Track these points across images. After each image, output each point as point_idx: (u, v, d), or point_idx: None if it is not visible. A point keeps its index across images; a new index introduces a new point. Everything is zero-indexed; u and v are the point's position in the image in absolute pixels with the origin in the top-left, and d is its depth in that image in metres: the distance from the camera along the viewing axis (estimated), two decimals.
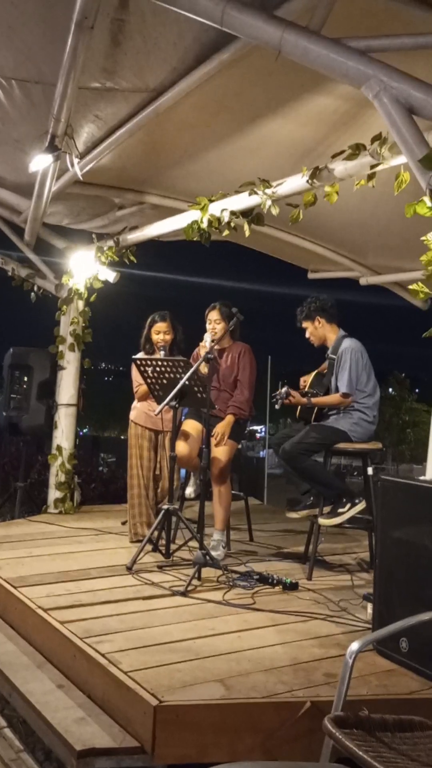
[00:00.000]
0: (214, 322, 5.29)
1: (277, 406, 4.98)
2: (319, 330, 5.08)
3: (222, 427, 5.15)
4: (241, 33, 3.16)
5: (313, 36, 3.00)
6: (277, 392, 4.89)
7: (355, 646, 2.52)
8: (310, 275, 7.76)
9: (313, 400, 4.93)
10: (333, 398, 4.91)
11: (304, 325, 5.14)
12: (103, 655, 3.17)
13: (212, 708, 2.78)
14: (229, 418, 5.20)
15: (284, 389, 4.88)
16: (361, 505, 4.69)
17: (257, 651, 3.32)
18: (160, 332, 5.56)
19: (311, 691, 2.93)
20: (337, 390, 4.90)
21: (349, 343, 4.95)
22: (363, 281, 7.23)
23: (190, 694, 2.85)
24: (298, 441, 4.77)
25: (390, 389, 42.44)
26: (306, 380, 5.28)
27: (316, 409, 5.01)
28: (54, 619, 3.61)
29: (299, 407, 5.06)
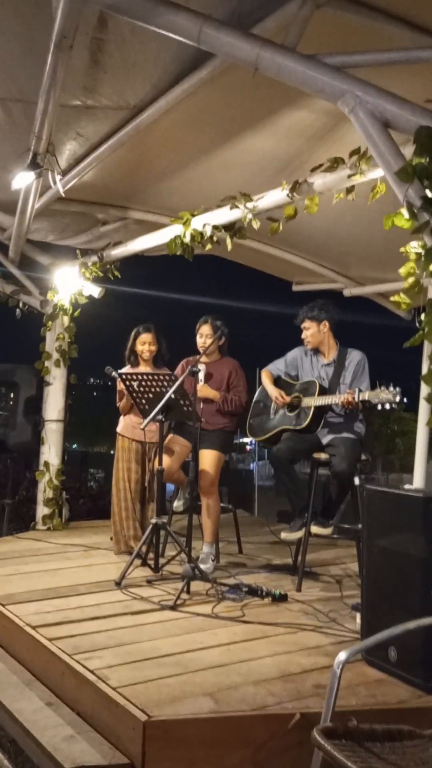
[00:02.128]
0: (206, 336, 5.32)
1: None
2: (320, 334, 5.03)
3: (206, 392, 5.18)
4: (217, 51, 3.21)
5: (288, 53, 3.05)
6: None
7: (342, 656, 2.52)
8: (295, 287, 7.82)
9: (366, 395, 4.63)
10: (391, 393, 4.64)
11: (308, 324, 5.04)
12: (91, 672, 3.16)
13: (201, 722, 2.78)
14: (215, 393, 5.22)
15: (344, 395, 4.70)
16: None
17: (246, 663, 3.32)
18: (145, 343, 5.59)
19: (300, 702, 2.93)
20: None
21: (361, 353, 4.96)
22: (347, 292, 7.29)
23: (179, 708, 2.84)
24: (351, 457, 4.63)
25: (399, 388, 42.43)
26: (281, 395, 5.17)
27: (323, 418, 4.93)
28: (42, 637, 3.60)
29: (311, 417, 4.87)
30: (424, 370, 3.17)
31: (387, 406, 4.55)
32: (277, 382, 5.24)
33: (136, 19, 3.19)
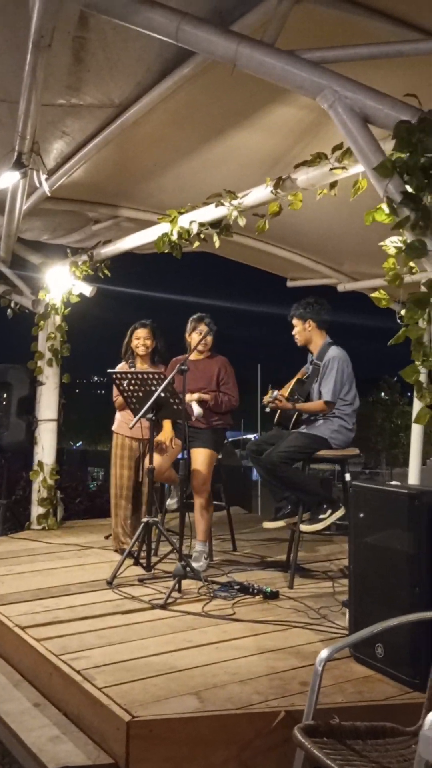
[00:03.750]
0: (207, 332, 5.32)
1: (267, 410, 4.99)
2: (306, 333, 5.10)
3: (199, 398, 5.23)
4: (196, 48, 3.19)
5: (267, 49, 3.03)
6: (268, 395, 4.91)
7: (324, 653, 2.51)
8: (289, 284, 7.80)
9: (297, 405, 4.93)
10: (317, 405, 4.90)
11: (294, 322, 5.14)
12: (78, 672, 3.16)
13: (186, 721, 2.77)
14: (207, 396, 5.25)
15: (275, 393, 4.90)
16: (341, 512, 4.70)
17: (234, 662, 3.31)
18: (140, 338, 5.61)
19: (286, 700, 2.93)
20: (319, 396, 4.90)
21: (336, 352, 4.97)
22: (341, 288, 7.26)
23: (164, 708, 2.84)
24: (282, 449, 4.76)
25: (382, 393, 42.51)
26: (285, 389, 5.27)
27: (295, 415, 5.02)
28: (31, 637, 3.60)
29: (278, 413, 5.07)
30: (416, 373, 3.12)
31: (266, 409, 4.93)
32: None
33: (114, 17, 3.18)
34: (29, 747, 2.82)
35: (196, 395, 5.20)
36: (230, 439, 18.67)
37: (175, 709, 2.83)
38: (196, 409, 5.16)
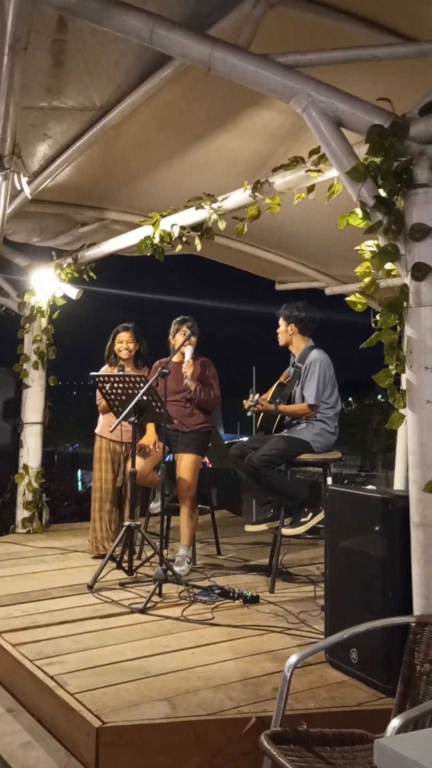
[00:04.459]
0: (190, 335, 5.31)
1: (248, 414, 4.99)
2: (288, 335, 5.12)
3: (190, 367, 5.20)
4: (170, 51, 3.20)
5: (240, 53, 3.03)
6: (249, 399, 4.89)
7: (292, 659, 2.50)
8: (278, 287, 7.79)
9: (281, 408, 4.92)
10: (300, 407, 4.90)
11: (280, 321, 5.16)
12: (51, 677, 3.15)
13: (156, 727, 2.76)
14: (194, 378, 5.24)
15: (256, 396, 4.89)
16: (321, 515, 4.69)
17: (208, 667, 3.30)
18: (122, 341, 5.59)
19: (258, 706, 2.92)
20: (302, 399, 4.89)
21: (317, 355, 4.97)
22: (328, 291, 7.25)
23: (135, 714, 2.83)
24: (263, 453, 4.74)
25: (378, 396, 42.48)
26: (267, 393, 5.27)
27: (278, 418, 5.01)
28: (6, 642, 3.58)
29: (261, 416, 5.06)
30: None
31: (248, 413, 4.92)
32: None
33: (89, 20, 3.18)
34: None
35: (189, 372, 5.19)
36: (225, 442, 18.61)
37: (147, 715, 2.82)
38: (188, 353, 5.17)
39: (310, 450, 4.82)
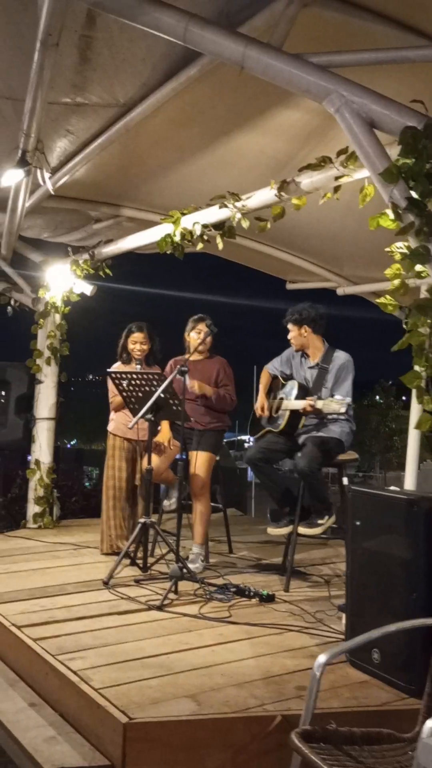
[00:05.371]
0: (204, 333, 5.33)
1: (279, 423, 4.91)
2: (302, 338, 5.07)
3: (201, 387, 5.18)
4: (203, 49, 3.19)
5: (274, 52, 3.03)
6: (312, 400, 4.69)
7: (322, 658, 2.51)
8: (289, 286, 7.81)
9: (319, 404, 4.68)
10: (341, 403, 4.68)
11: (290, 327, 5.11)
12: (74, 672, 3.15)
13: (182, 724, 2.77)
14: (210, 389, 5.21)
15: (313, 400, 4.73)
16: (334, 517, 4.70)
17: (230, 665, 3.31)
18: (136, 342, 5.58)
19: (282, 704, 2.93)
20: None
21: (345, 356, 4.96)
22: (340, 291, 7.27)
23: (161, 710, 2.83)
24: (313, 458, 4.63)
25: (377, 397, 42.51)
26: (263, 406, 5.23)
27: (301, 420, 4.95)
28: (27, 637, 3.59)
29: (288, 418, 4.90)
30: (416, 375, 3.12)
31: (335, 416, 4.70)
32: (275, 380, 5.29)
33: (122, 17, 3.18)
34: (25, 747, 2.81)
35: (197, 383, 5.17)
36: (225, 441, 18.59)
37: (172, 712, 2.83)
38: (188, 382, 5.12)
39: (343, 450, 4.82)
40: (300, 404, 4.78)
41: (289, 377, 5.19)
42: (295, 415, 4.87)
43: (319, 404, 4.63)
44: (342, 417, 4.79)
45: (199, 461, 5.14)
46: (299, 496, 4.74)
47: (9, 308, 7.01)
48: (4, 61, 3.90)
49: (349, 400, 4.66)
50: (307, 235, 6.10)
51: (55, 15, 3.15)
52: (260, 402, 5.20)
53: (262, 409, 5.17)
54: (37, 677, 3.38)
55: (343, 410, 4.53)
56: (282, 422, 4.90)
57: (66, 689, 3.12)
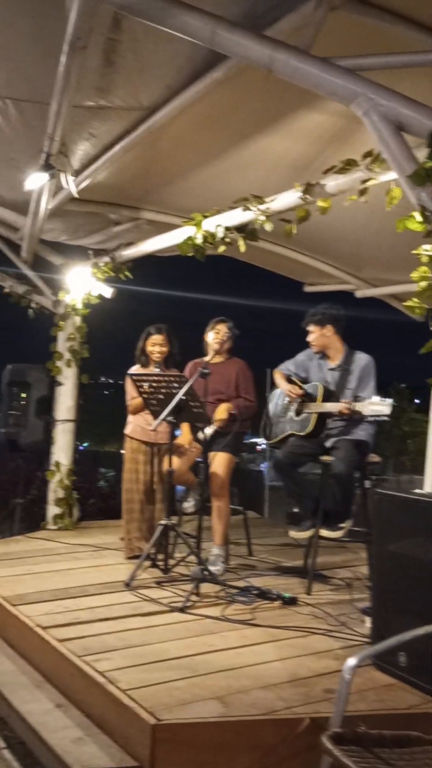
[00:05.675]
0: (223, 334, 5.33)
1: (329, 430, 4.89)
2: (325, 338, 5.03)
3: (221, 413, 5.18)
4: (231, 53, 3.20)
5: (302, 55, 3.03)
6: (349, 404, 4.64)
7: (351, 661, 2.51)
8: (307, 288, 7.80)
9: (357, 406, 4.65)
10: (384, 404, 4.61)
11: (312, 328, 5.05)
12: (101, 674, 3.16)
13: (210, 726, 2.77)
14: (228, 406, 5.22)
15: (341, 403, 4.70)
16: (351, 520, 4.71)
17: (256, 667, 3.31)
18: (155, 345, 5.58)
19: (310, 707, 2.92)
20: (354, 400, 4.80)
21: (367, 357, 4.95)
22: (359, 294, 7.26)
23: (189, 712, 2.84)
24: (349, 462, 4.63)
25: (391, 399, 42.27)
26: (293, 390, 5.15)
27: (325, 423, 4.93)
28: (52, 638, 3.60)
29: (315, 420, 4.85)
30: None
31: (379, 418, 4.56)
32: (288, 382, 5.24)
33: (150, 21, 3.18)
34: (53, 748, 2.83)
35: (218, 415, 5.18)
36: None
37: (199, 714, 2.83)
38: (208, 431, 5.14)
39: (369, 452, 4.81)
40: (336, 406, 4.72)
41: (302, 381, 5.17)
42: (323, 417, 4.84)
43: (358, 406, 4.58)
44: (368, 420, 4.77)
45: (220, 461, 5.14)
46: (321, 500, 4.73)
47: (30, 311, 7.05)
48: (30, 66, 3.93)
49: (390, 400, 4.56)
50: (326, 238, 6.09)
51: (84, 18, 3.17)
52: (288, 388, 5.10)
53: (294, 391, 5.06)
54: (62, 678, 3.39)
55: (388, 411, 4.46)
56: (310, 425, 4.85)
57: (92, 690, 3.13)
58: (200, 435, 5.11)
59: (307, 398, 4.98)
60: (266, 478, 12.75)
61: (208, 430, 5.09)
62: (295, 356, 5.30)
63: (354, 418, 4.78)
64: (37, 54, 3.83)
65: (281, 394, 5.24)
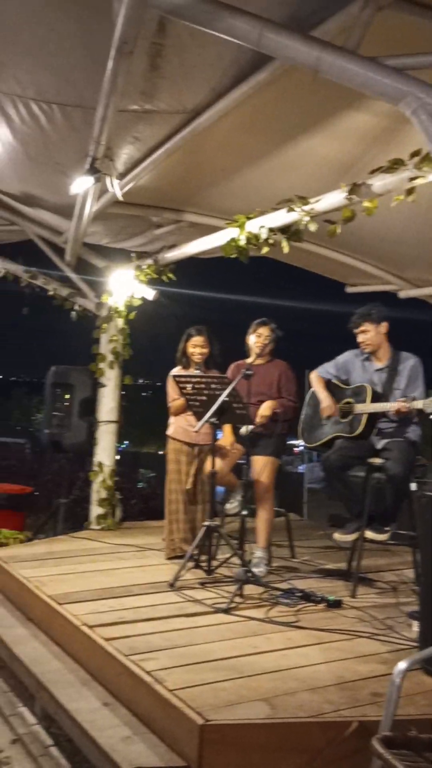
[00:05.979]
0: (265, 337, 5.32)
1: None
2: (379, 336, 4.94)
3: (265, 410, 5.18)
4: (278, 55, 3.19)
5: (349, 56, 3.02)
6: (400, 403, 4.57)
7: (402, 665, 2.50)
8: (349, 289, 7.75)
9: (418, 404, 4.57)
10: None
11: (366, 327, 4.93)
12: (148, 673, 3.18)
13: (258, 727, 2.77)
14: (273, 403, 5.22)
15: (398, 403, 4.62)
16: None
17: (302, 669, 3.30)
18: (196, 346, 5.60)
19: (358, 710, 2.90)
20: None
21: (415, 357, 4.89)
22: (402, 294, 7.18)
23: (236, 713, 2.84)
24: (407, 461, 4.59)
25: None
26: (331, 406, 5.11)
27: (375, 425, 4.88)
28: (98, 637, 3.63)
29: (365, 420, 4.79)
30: None
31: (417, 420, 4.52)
32: (327, 386, 5.19)
33: (197, 24, 3.18)
34: (102, 746, 2.85)
35: (260, 413, 5.17)
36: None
37: (247, 715, 2.83)
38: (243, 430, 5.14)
39: (419, 453, 4.77)
40: (393, 406, 4.62)
41: (344, 383, 5.12)
42: (372, 418, 4.78)
43: (419, 404, 4.50)
44: (415, 421, 4.72)
45: (263, 465, 5.13)
46: (365, 502, 4.70)
47: (73, 313, 7.13)
48: (77, 71, 3.98)
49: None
50: (368, 238, 6.04)
51: (131, 23, 3.19)
52: (328, 402, 5.07)
53: (331, 409, 5.04)
54: (109, 677, 3.42)
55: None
56: (360, 426, 4.78)
57: (139, 690, 3.15)
58: (242, 430, 5.10)
59: (356, 399, 4.91)
60: (305, 480, 12.68)
61: (249, 426, 5.08)
62: (335, 358, 5.24)
63: (407, 419, 4.73)
64: (83, 60, 3.87)
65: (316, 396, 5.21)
